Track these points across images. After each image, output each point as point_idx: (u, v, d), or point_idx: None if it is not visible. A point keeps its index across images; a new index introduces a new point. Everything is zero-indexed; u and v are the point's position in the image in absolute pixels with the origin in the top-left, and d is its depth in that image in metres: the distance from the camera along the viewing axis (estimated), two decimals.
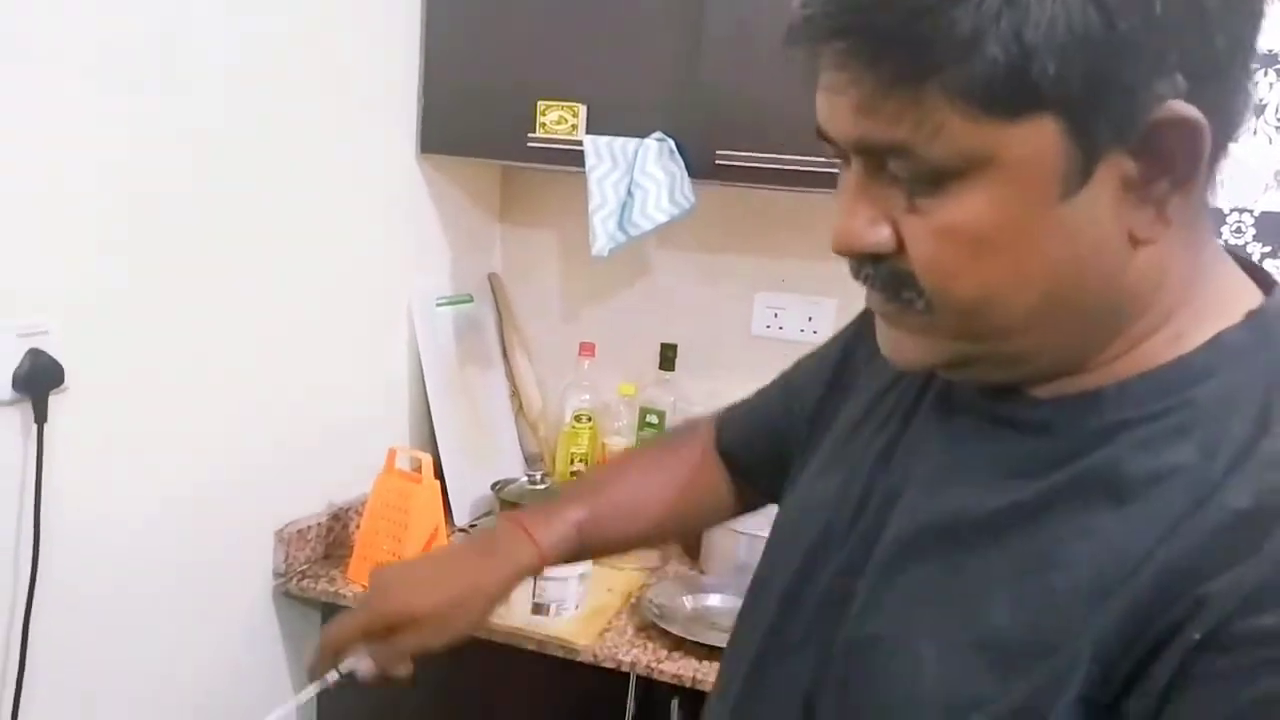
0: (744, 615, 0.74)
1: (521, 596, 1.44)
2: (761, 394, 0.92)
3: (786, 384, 0.88)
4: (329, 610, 1.53)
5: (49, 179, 1.07)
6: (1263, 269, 0.56)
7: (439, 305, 1.82)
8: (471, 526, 1.78)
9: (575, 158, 1.58)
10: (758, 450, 0.88)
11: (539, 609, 1.44)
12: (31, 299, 1.07)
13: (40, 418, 1.07)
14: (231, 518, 1.38)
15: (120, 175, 1.15)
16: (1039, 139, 0.46)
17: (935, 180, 0.48)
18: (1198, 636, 0.44)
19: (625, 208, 1.57)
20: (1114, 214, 0.48)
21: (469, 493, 1.81)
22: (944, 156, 0.47)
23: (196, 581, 1.35)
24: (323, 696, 0.81)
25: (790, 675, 0.64)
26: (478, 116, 1.66)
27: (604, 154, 1.56)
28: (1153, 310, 0.52)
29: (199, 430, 1.31)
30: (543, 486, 1.80)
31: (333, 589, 1.50)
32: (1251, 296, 0.54)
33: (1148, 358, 0.52)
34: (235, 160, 1.31)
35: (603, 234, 1.56)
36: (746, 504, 0.94)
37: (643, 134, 1.54)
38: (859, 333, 0.78)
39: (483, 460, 1.88)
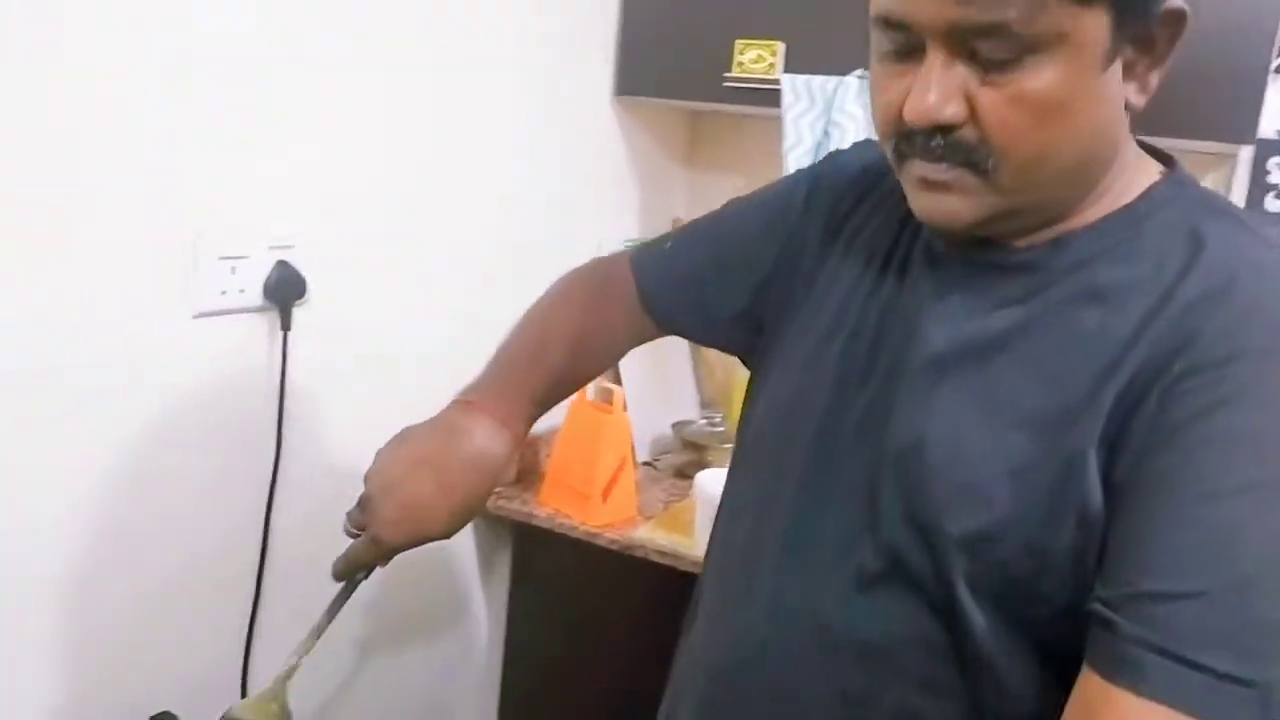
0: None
1: (705, 529, 1.47)
2: (685, 250, 0.92)
3: (717, 240, 0.90)
4: (521, 529, 1.61)
5: (312, 117, 1.17)
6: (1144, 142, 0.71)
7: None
8: (650, 463, 1.82)
9: (771, 97, 1.57)
10: (680, 299, 0.91)
11: None
12: (281, 216, 1.16)
13: (285, 325, 1.16)
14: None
15: (366, 117, 1.24)
16: (1097, 24, 0.58)
17: (1016, 55, 0.58)
18: (1177, 369, 0.59)
19: (821, 147, 1.55)
20: (1119, 86, 0.62)
21: (649, 430, 1.86)
22: (1034, 35, 0.58)
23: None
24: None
25: (842, 499, 0.72)
26: (674, 57, 1.67)
27: (801, 92, 1.54)
28: (1111, 170, 0.66)
29: (418, 349, 1.40)
30: (721, 429, 1.83)
31: (525, 510, 1.57)
32: (1151, 163, 0.69)
33: (1103, 208, 0.67)
34: (447, 103, 1.38)
35: None
36: (640, 341, 0.97)
37: (842, 72, 1.51)
38: (807, 216, 0.83)
39: (662, 400, 1.92)
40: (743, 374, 1.91)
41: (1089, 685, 0.58)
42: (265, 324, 1.16)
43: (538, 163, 1.59)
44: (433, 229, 1.39)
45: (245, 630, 1.20)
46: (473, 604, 1.67)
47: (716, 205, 0.92)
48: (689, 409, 1.98)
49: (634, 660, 1.57)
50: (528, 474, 1.68)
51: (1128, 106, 0.64)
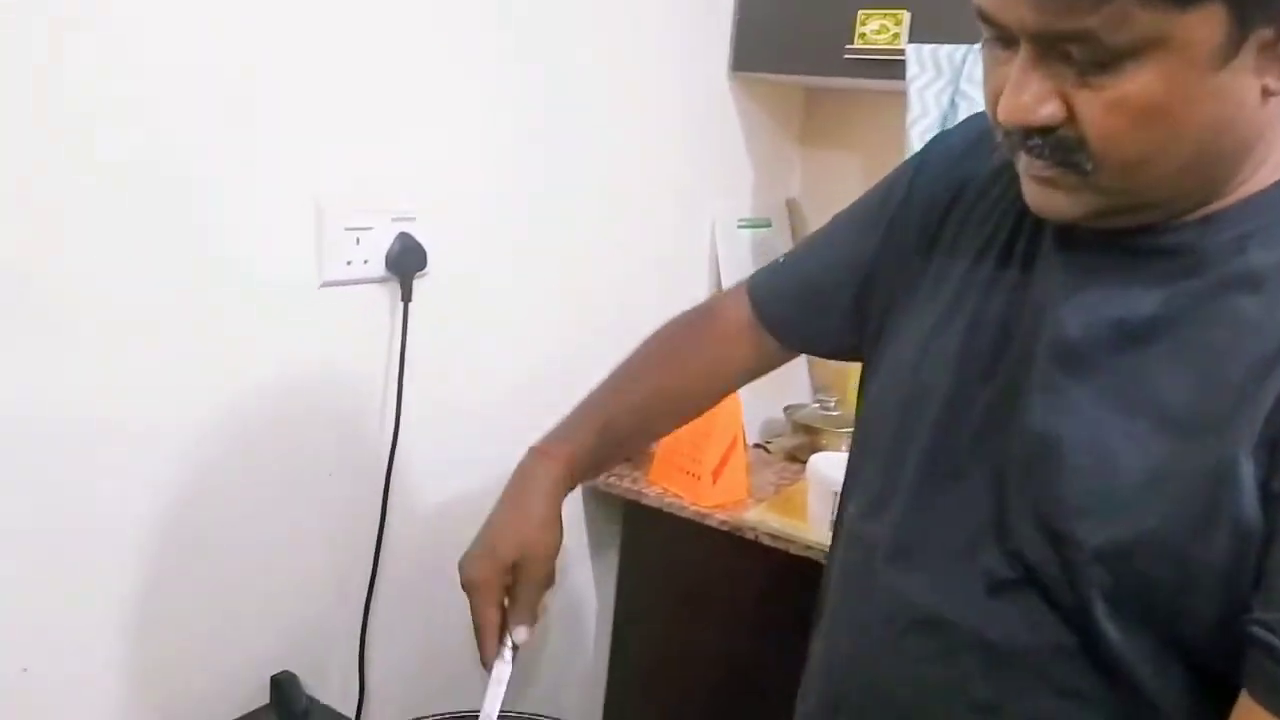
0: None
1: (821, 511, 1.43)
2: (796, 260, 0.93)
3: (825, 244, 0.90)
4: (631, 507, 1.61)
5: (436, 92, 1.19)
6: None
7: (740, 227, 1.83)
8: (761, 445, 1.79)
9: (893, 69, 1.51)
10: (791, 306, 0.91)
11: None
12: (404, 188, 1.18)
13: (406, 297, 1.18)
14: (556, 408, 1.48)
15: (488, 94, 1.26)
16: (1206, 23, 0.53)
17: (1110, 61, 0.55)
18: None
19: (947, 119, 1.49)
20: (1254, 73, 0.56)
21: (761, 413, 1.83)
22: (1124, 42, 0.54)
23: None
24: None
25: (965, 500, 0.68)
26: (792, 30, 1.63)
27: (927, 63, 1.48)
28: (1259, 150, 0.60)
29: (533, 323, 1.41)
30: (836, 413, 1.78)
31: (635, 488, 1.56)
32: None
33: (1254, 185, 0.61)
34: (565, 80, 1.37)
35: (919, 147, 1.49)
36: (766, 368, 0.96)
37: (971, 40, 1.45)
38: (909, 206, 0.80)
39: (773, 384, 1.87)
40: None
41: (1248, 714, 0.55)
42: (387, 295, 1.18)
43: (652, 141, 1.58)
44: (548, 205, 1.40)
45: (365, 593, 1.23)
46: (581, 581, 1.68)
47: (832, 184, 0.90)
48: (801, 394, 1.94)
49: (742, 643, 1.55)
50: (638, 453, 1.67)
51: (1269, 93, 0.57)
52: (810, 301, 0.88)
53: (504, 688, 0.82)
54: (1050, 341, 0.65)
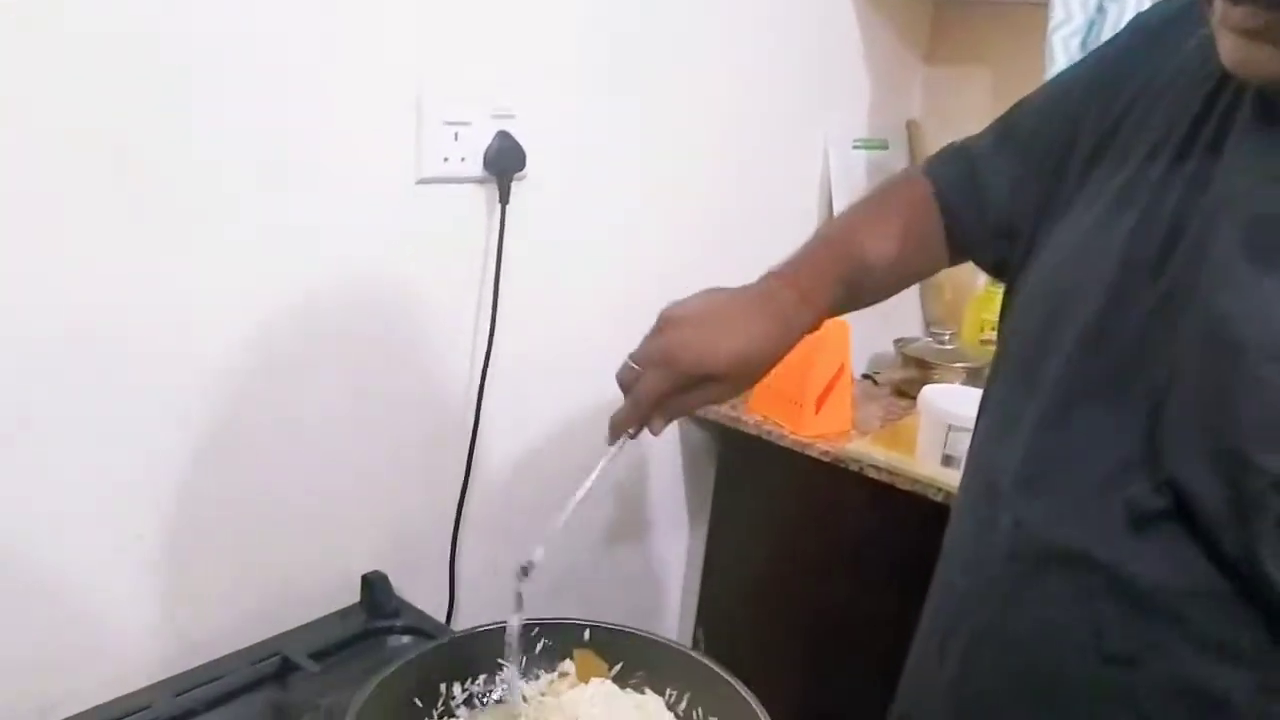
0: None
1: (932, 444, 1.35)
2: (973, 146, 0.85)
3: (1001, 132, 0.82)
4: (728, 435, 1.55)
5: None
6: None
7: (855, 147, 1.73)
8: (869, 377, 1.71)
9: None
10: (971, 199, 0.83)
11: (949, 461, 1.34)
12: (504, 84, 1.12)
13: (504, 199, 1.14)
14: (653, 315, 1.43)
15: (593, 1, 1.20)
16: None
17: None
18: None
19: (1093, 26, 1.35)
20: None
21: (867, 345, 1.74)
22: None
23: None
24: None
25: (1111, 418, 0.61)
26: None
27: None
28: None
29: (632, 233, 1.35)
30: (951, 347, 1.68)
31: (734, 415, 1.51)
32: None
33: None
34: None
35: (1062, 56, 1.36)
36: (949, 258, 0.88)
37: None
38: (1096, 87, 0.72)
39: (881, 315, 1.78)
40: (975, 295, 1.77)
41: None
42: (484, 195, 1.14)
43: (766, 53, 1.49)
44: (655, 114, 1.33)
45: (457, 496, 1.21)
46: (673, 511, 1.64)
47: (956, 104, 0.83)
48: (913, 327, 1.84)
49: (839, 577, 1.49)
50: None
51: None
52: (975, 187, 0.81)
53: (605, 477, 0.78)
54: (1238, 229, 0.57)
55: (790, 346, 0.79)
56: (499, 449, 1.25)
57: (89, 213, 0.83)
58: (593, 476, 0.78)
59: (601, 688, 0.82)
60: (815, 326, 0.81)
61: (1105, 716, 0.61)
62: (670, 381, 0.74)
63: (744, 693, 0.77)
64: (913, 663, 0.81)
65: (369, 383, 1.09)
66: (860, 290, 0.84)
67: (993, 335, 1.80)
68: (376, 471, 1.13)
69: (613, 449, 0.78)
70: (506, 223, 1.14)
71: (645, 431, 0.77)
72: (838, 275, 0.81)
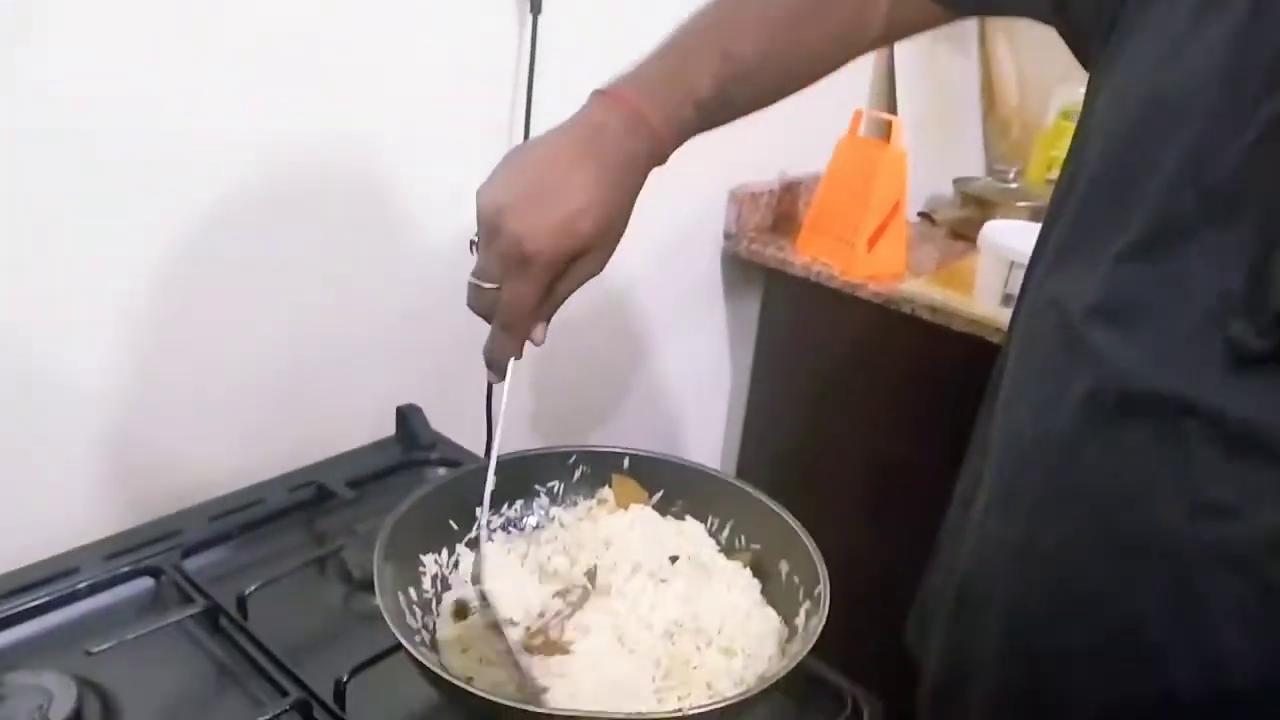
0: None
1: (992, 282, 1.28)
2: None
3: None
4: (773, 277, 1.48)
5: None
6: None
7: None
8: (926, 215, 1.62)
9: None
10: None
11: (1010, 300, 1.27)
12: None
13: (535, 9, 1.05)
14: (690, 174, 1.35)
15: None
16: None
17: None
18: None
19: None
20: None
21: (924, 185, 1.64)
22: None
23: (654, 234, 1.35)
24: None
25: (1209, 248, 0.53)
26: None
27: None
28: None
29: None
30: (1015, 185, 1.58)
31: (780, 256, 1.44)
32: None
33: None
34: None
35: None
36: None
37: None
38: None
39: (942, 153, 1.68)
40: (1044, 130, 1.65)
41: None
42: (515, 6, 1.05)
43: None
44: None
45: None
46: (714, 360, 1.59)
47: None
48: (974, 166, 1.73)
49: (889, 423, 1.45)
50: (784, 221, 1.53)
51: None
52: None
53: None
54: None
55: (639, 185, 0.67)
56: None
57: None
58: (499, 428, 0.72)
59: (640, 514, 0.78)
60: (664, 155, 0.68)
61: (1196, 571, 0.55)
62: (535, 284, 0.64)
63: (789, 519, 0.73)
64: (973, 520, 0.75)
65: (395, 204, 1.04)
66: (738, 96, 0.70)
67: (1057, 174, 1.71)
68: (408, 300, 1.09)
69: (504, 384, 0.68)
70: (539, 33, 1.06)
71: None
72: (698, 95, 0.68)
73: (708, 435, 1.65)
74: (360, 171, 1.00)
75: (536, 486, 0.81)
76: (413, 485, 0.96)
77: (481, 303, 0.66)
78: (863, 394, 1.47)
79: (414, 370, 1.12)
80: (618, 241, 0.67)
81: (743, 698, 0.56)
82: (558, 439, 1.27)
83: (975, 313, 1.27)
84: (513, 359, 0.68)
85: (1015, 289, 1.25)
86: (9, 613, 0.73)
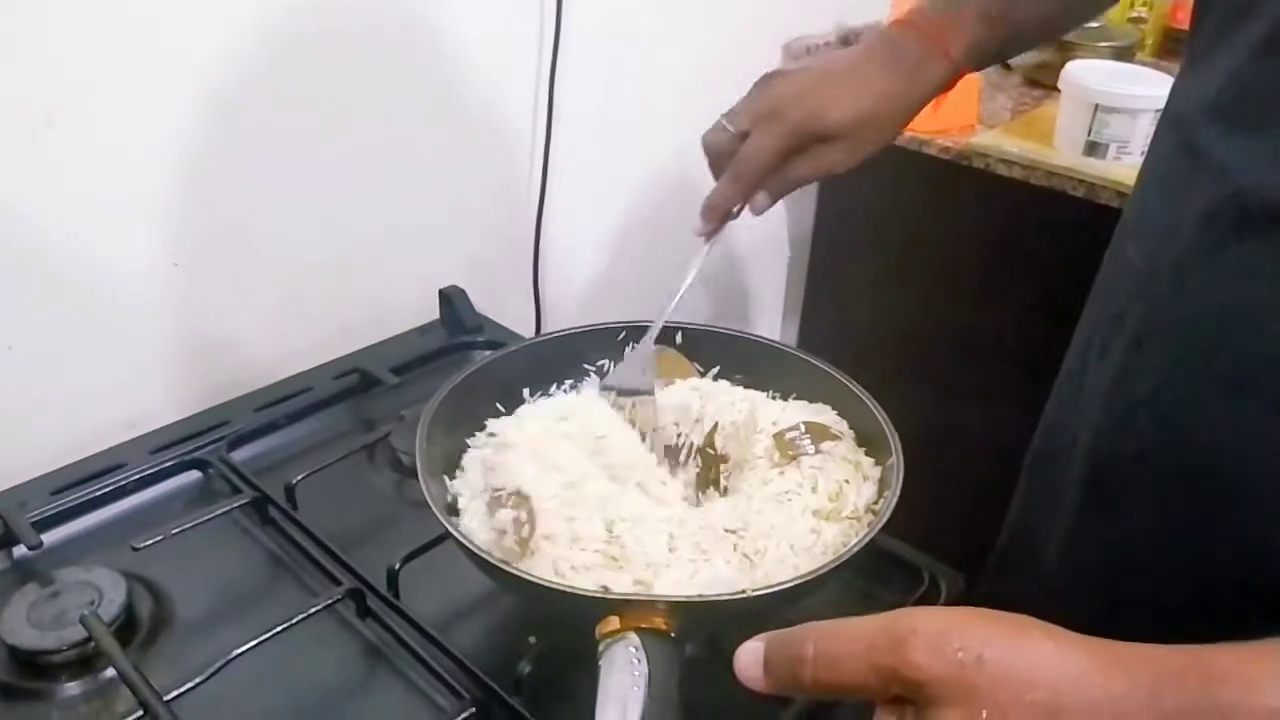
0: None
1: (1074, 129, 1.17)
2: None
3: None
4: None
5: None
6: None
7: None
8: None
9: None
10: None
11: (1094, 149, 1.17)
12: None
13: None
14: (741, 28, 1.26)
15: None
16: None
17: None
18: None
19: None
20: None
21: None
22: None
23: (704, 88, 1.26)
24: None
25: None
26: None
27: None
28: None
29: None
30: (1096, 24, 1.44)
31: None
32: None
33: None
34: None
35: None
36: None
37: None
38: None
39: None
40: None
41: None
42: None
43: None
44: None
45: (536, 209, 1.12)
46: (771, 230, 1.51)
47: None
48: None
49: (958, 290, 1.37)
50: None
51: None
52: None
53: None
54: None
55: (919, 104, 0.68)
56: (573, 156, 1.14)
57: None
58: (693, 272, 0.70)
59: (700, 383, 0.74)
60: (951, 82, 0.68)
61: None
62: (780, 141, 0.64)
63: (858, 390, 0.68)
64: (1062, 376, 0.69)
65: (444, 95, 0.99)
66: (1017, 27, 0.68)
67: (1143, 12, 1.55)
68: (455, 189, 1.04)
69: (709, 244, 0.69)
70: None
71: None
72: (980, 11, 0.66)
73: (765, 309, 1.59)
74: (408, 47, 0.94)
75: (585, 365, 0.76)
76: (459, 368, 0.92)
77: (717, 142, 0.68)
78: (932, 259, 1.38)
79: (457, 253, 1.08)
80: (871, 147, 0.67)
81: (816, 574, 0.52)
82: (604, 314, 1.23)
83: (1056, 164, 1.17)
84: (728, 221, 0.69)
85: (1101, 136, 1.16)
86: (57, 510, 0.72)
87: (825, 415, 0.69)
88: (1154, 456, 0.56)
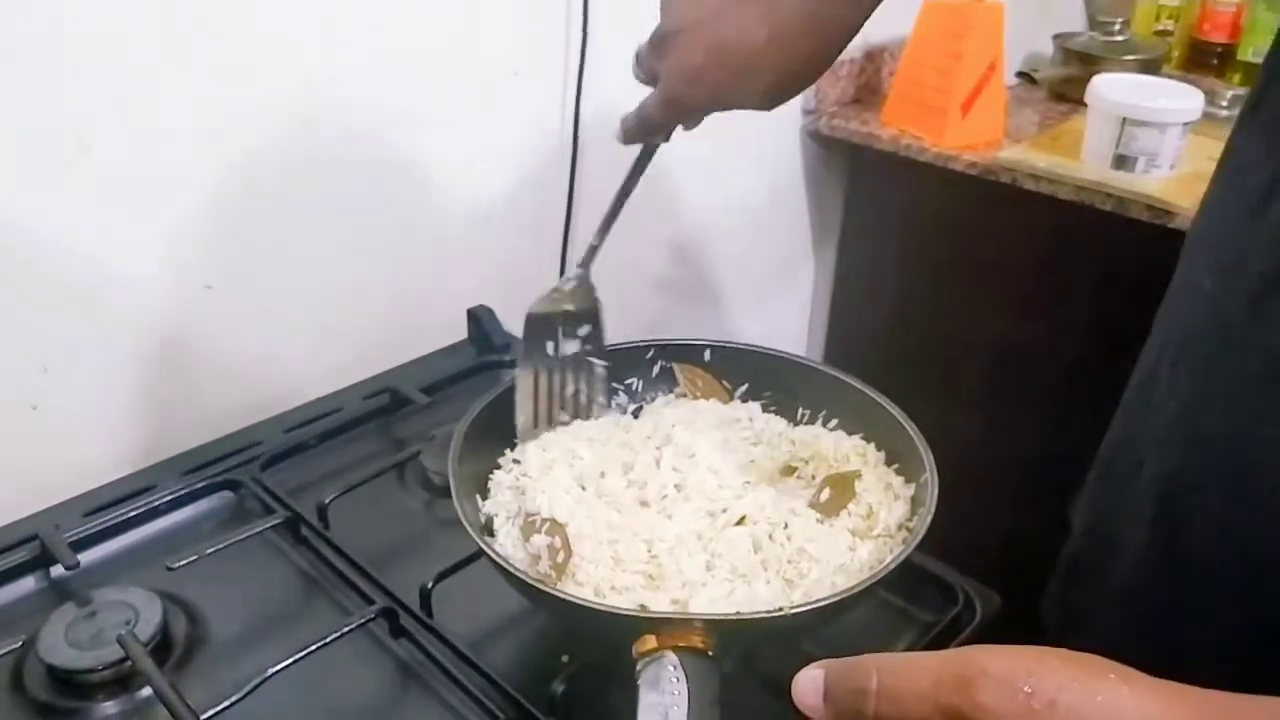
0: None
1: (1102, 142, 1.17)
2: None
3: None
4: (856, 151, 1.39)
5: None
6: None
7: None
8: (1026, 74, 1.49)
9: None
10: None
11: (1122, 162, 1.16)
12: None
13: None
14: None
15: None
16: None
17: None
18: None
19: None
20: None
21: (1022, 42, 1.51)
22: None
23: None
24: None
25: None
26: None
27: None
28: None
29: None
30: (1121, 38, 1.44)
31: (865, 130, 1.34)
32: None
33: None
34: None
35: None
36: None
37: None
38: None
39: (1040, 6, 1.54)
40: None
41: None
42: None
43: None
44: None
45: (562, 228, 1.13)
46: (797, 244, 1.51)
47: None
48: (1074, 20, 1.59)
49: (986, 306, 1.36)
50: (868, 93, 1.42)
51: None
52: None
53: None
54: None
55: (835, 50, 0.59)
56: (601, 171, 1.14)
57: None
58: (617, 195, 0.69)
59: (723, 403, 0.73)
60: (865, 12, 0.59)
61: None
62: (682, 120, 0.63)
63: (889, 406, 0.67)
64: (1126, 399, 0.68)
65: (470, 114, 1.00)
66: None
67: (1170, 25, 1.54)
68: (480, 209, 1.05)
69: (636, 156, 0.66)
70: None
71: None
72: None
73: (791, 326, 1.59)
74: (438, 73, 0.95)
75: (614, 384, 0.76)
76: (488, 388, 0.92)
77: (638, 78, 0.65)
78: (959, 275, 1.38)
79: (485, 273, 1.08)
80: (785, 97, 0.61)
81: (853, 591, 0.52)
82: (634, 333, 1.22)
83: (1083, 178, 1.16)
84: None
85: (1129, 148, 1.15)
86: (91, 531, 0.72)
87: (845, 445, 0.68)
88: (1221, 482, 0.54)
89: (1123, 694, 0.31)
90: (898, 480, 0.64)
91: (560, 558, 0.57)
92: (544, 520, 0.60)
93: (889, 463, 0.66)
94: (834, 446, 0.68)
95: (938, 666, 0.33)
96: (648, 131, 0.65)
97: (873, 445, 0.68)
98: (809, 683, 0.36)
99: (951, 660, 0.33)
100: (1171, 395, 0.59)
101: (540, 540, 0.58)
